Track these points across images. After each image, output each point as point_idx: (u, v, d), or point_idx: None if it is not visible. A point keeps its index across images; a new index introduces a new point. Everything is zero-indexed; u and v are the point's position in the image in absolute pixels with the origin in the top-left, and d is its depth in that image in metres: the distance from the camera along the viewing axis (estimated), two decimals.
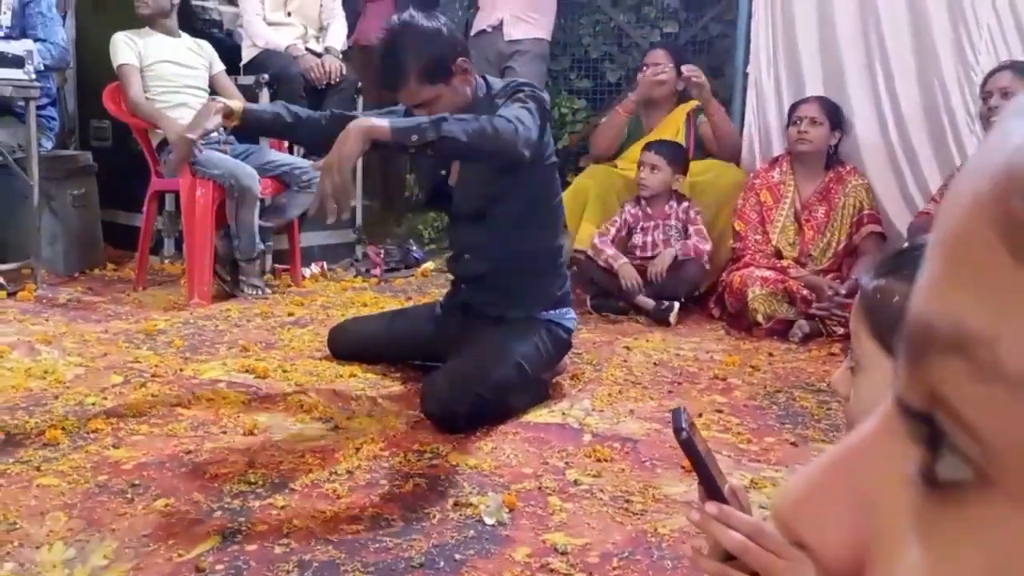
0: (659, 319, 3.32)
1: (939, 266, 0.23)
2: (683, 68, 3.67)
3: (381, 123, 1.96)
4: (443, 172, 2.43)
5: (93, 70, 4.04)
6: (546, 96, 2.24)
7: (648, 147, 3.49)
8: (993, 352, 0.21)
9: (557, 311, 2.40)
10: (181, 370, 2.51)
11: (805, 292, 3.18)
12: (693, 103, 3.76)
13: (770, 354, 2.95)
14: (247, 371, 2.52)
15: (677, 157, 3.47)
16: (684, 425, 0.89)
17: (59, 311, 3.19)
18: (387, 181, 5.32)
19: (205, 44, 3.78)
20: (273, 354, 2.73)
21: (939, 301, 0.22)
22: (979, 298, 0.21)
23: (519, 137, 2.00)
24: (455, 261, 2.55)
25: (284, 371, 2.54)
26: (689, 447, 0.89)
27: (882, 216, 3.45)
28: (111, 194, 4.10)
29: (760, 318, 3.17)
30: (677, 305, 3.34)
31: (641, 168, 3.45)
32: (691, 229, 3.43)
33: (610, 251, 3.40)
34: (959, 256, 0.22)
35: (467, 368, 2.22)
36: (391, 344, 2.66)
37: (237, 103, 2.32)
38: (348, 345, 2.70)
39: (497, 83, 2.32)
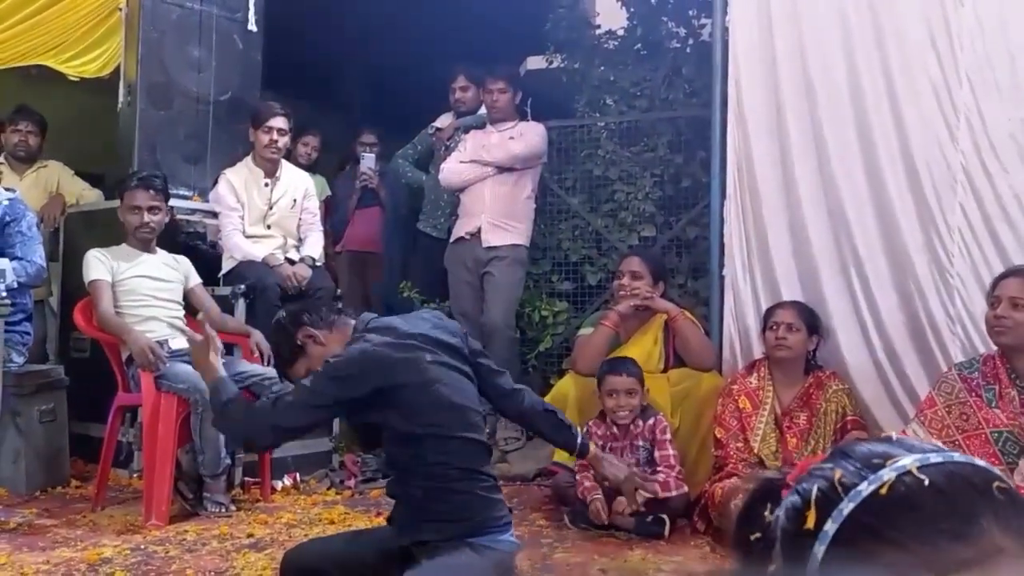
0: (647, 534, 3.15)
1: None
2: (619, 283, 3.66)
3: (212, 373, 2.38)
4: None
5: (78, 284, 4.07)
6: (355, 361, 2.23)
7: (615, 369, 3.32)
8: None
9: (487, 537, 2.24)
10: None
11: None
12: None
13: None
14: None
15: (641, 375, 3.36)
16: None
17: (5, 538, 3.03)
18: None
19: (182, 259, 3.83)
20: None
21: None
22: None
23: (265, 428, 2.30)
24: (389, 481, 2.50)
25: None
26: None
27: (871, 422, 3.32)
28: (86, 406, 4.03)
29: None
30: (668, 522, 3.17)
31: (615, 396, 3.27)
32: (657, 455, 3.26)
33: (588, 483, 3.24)
34: None
35: None
36: (344, 571, 2.49)
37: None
38: (299, 573, 2.53)
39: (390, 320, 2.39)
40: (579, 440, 2.55)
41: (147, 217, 3.65)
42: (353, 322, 2.38)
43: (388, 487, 2.45)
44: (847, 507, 0.72)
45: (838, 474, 0.74)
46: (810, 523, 0.73)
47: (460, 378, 2.31)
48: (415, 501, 2.27)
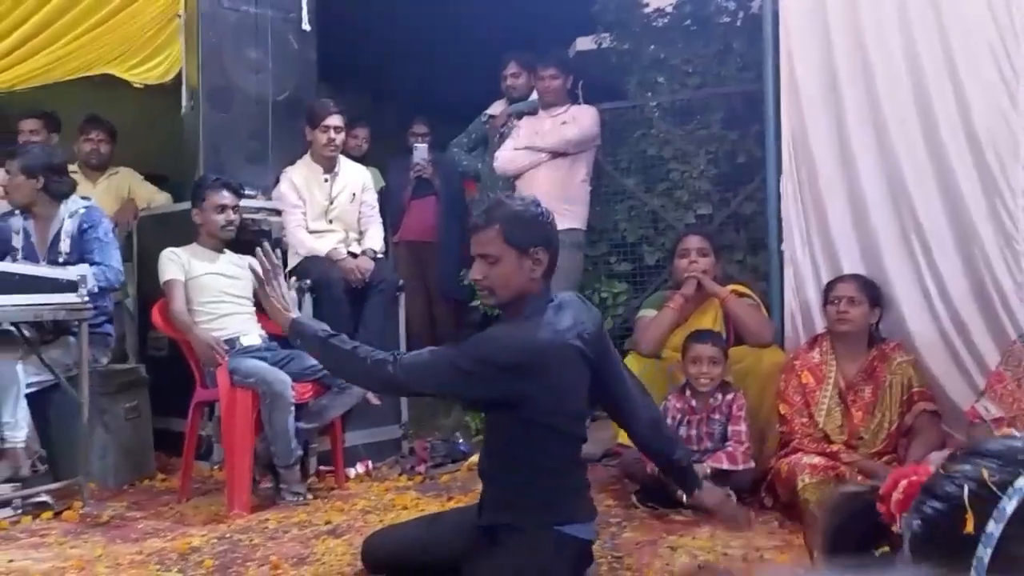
0: None
1: None
2: (689, 261, 3.67)
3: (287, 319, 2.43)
4: None
5: (153, 285, 4.23)
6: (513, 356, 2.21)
7: (701, 339, 3.38)
8: None
9: (571, 526, 2.31)
10: None
11: (859, 478, 3.02)
12: (731, 286, 3.71)
13: None
14: None
15: (725, 347, 3.42)
16: None
17: (100, 531, 3.20)
18: None
19: (247, 258, 3.94)
20: (303, 571, 2.68)
21: None
22: None
23: (380, 382, 2.39)
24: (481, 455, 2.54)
25: None
26: None
27: (939, 393, 3.30)
28: (167, 402, 4.19)
29: (814, 508, 3.00)
30: (734, 496, 3.21)
31: (698, 363, 3.32)
32: (730, 430, 3.29)
33: None
34: None
35: None
36: (426, 554, 2.58)
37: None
38: (382, 558, 2.64)
39: (569, 301, 2.39)
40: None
41: (231, 215, 3.85)
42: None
43: (482, 466, 2.47)
44: (1010, 505, 0.70)
45: (986, 473, 0.72)
46: (969, 527, 0.71)
47: (585, 371, 2.35)
48: (511, 485, 2.33)
